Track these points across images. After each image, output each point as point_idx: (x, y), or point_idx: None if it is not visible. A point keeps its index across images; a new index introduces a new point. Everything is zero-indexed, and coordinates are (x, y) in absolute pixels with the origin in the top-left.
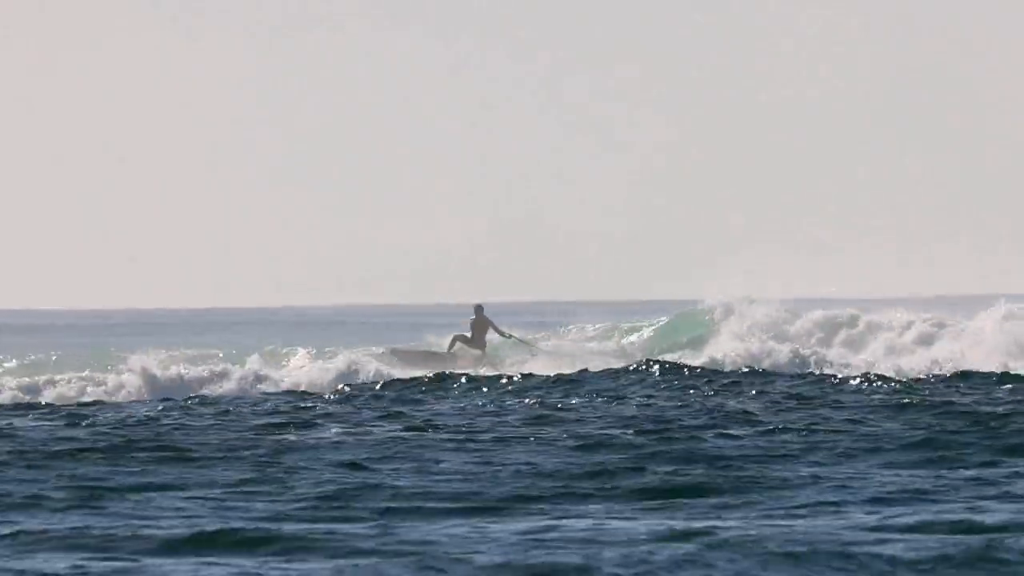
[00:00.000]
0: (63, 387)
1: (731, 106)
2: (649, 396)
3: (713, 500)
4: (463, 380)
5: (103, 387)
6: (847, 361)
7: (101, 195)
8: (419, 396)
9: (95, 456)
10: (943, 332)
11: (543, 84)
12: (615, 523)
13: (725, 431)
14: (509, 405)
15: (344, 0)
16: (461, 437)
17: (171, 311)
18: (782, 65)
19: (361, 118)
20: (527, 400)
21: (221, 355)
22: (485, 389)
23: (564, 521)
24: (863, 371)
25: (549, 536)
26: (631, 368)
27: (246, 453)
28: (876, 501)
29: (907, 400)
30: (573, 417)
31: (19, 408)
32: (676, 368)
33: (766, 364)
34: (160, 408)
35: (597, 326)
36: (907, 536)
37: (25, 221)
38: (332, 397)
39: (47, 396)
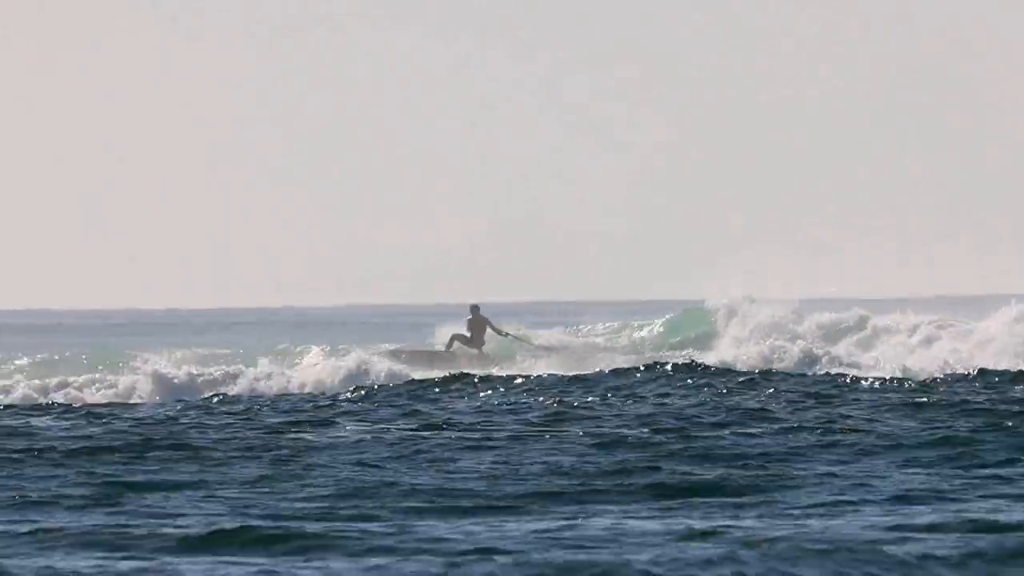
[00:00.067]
0: (77, 387)
1: (731, 106)
2: (665, 394)
3: (734, 499)
4: (479, 379)
5: (116, 387)
6: (859, 361)
7: (101, 195)
8: (435, 395)
9: (113, 455)
10: (953, 333)
11: (543, 84)
12: (634, 522)
13: (743, 429)
14: (525, 404)
15: (344, 0)
16: (478, 436)
17: (171, 311)
18: (782, 65)
19: (361, 118)
20: (543, 399)
21: (232, 354)
22: (501, 388)
23: (583, 520)
24: (876, 371)
25: (568, 535)
26: (644, 367)
27: (264, 452)
28: (896, 500)
29: (923, 399)
30: (590, 416)
31: (36, 408)
32: (690, 367)
33: (778, 364)
34: (177, 408)
35: (607, 324)
36: (928, 535)
37: (25, 221)
38: (348, 396)
39: (61, 396)
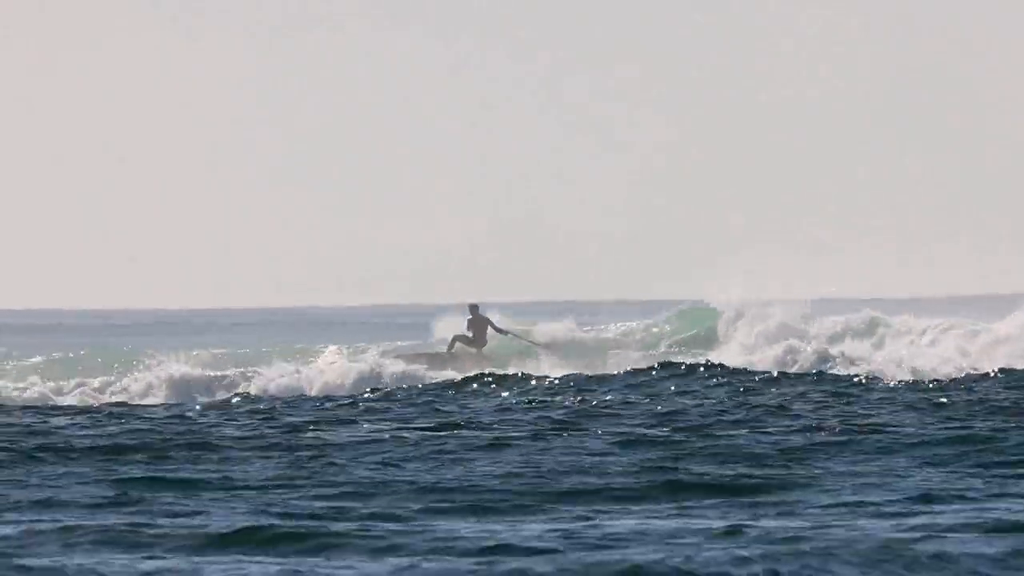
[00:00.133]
0: (95, 388)
1: (731, 106)
2: (683, 393)
3: (756, 497)
4: (496, 379)
5: (132, 388)
6: (874, 361)
7: (101, 195)
8: (453, 395)
9: (134, 454)
10: (967, 333)
11: (543, 84)
12: (658, 521)
13: (762, 428)
14: (545, 404)
15: (344, 0)
16: (498, 435)
17: (171, 311)
18: (782, 65)
19: (361, 118)
20: (562, 399)
21: (249, 354)
22: (519, 388)
23: (608, 519)
24: (891, 371)
25: (592, 534)
26: (660, 365)
27: (284, 451)
28: (918, 499)
29: (941, 399)
30: (609, 414)
31: (55, 408)
32: (705, 367)
33: (792, 365)
34: (196, 407)
35: (619, 324)
36: (952, 534)
37: (25, 221)
38: (367, 395)
39: (78, 395)
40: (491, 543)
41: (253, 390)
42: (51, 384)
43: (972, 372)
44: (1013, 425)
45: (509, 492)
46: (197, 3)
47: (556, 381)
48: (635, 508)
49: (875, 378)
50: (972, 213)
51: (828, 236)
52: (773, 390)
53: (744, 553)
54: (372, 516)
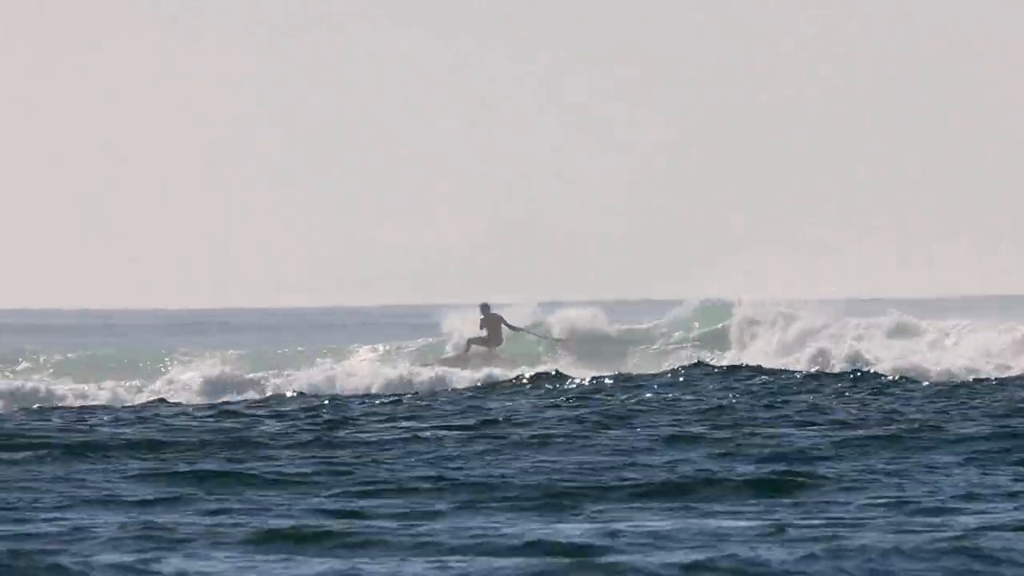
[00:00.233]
0: (129, 388)
1: (731, 106)
2: (722, 392)
3: (801, 496)
4: (530, 380)
5: (161, 386)
6: (908, 361)
7: (101, 195)
8: (491, 394)
9: (176, 451)
10: (996, 332)
11: (543, 84)
12: (700, 520)
13: (804, 427)
14: (581, 404)
15: (344, 0)
16: (539, 433)
17: (172, 311)
18: (782, 65)
19: (361, 118)
20: (600, 397)
21: (282, 355)
22: (556, 387)
23: (648, 517)
24: (926, 370)
25: (633, 532)
26: (690, 365)
27: (323, 448)
28: (965, 497)
29: (978, 397)
30: (649, 412)
31: (87, 408)
32: (743, 366)
33: (827, 364)
34: (234, 406)
35: (645, 324)
36: (1000, 532)
37: (25, 221)
38: (403, 395)
39: (108, 394)
40: (532, 541)
41: (289, 389)
42: (86, 384)
43: (1003, 370)
44: None
45: (550, 490)
46: (197, 3)
47: (592, 380)
48: (677, 506)
49: (909, 377)
50: (972, 213)
51: (828, 236)
52: (810, 389)
53: (788, 552)
54: (412, 514)
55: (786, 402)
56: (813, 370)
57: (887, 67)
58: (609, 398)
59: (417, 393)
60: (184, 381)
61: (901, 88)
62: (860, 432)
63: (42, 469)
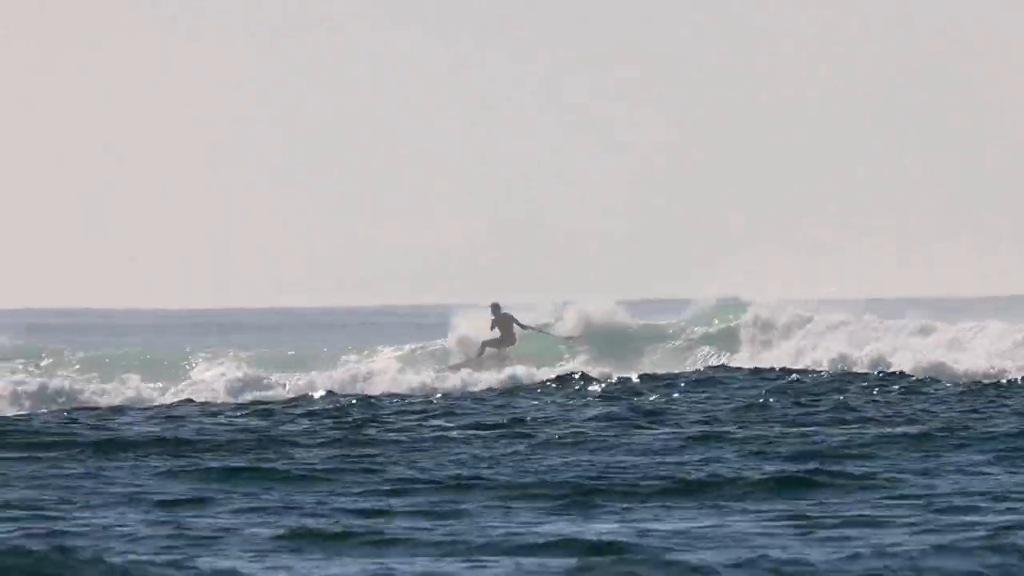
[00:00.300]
0: (157, 388)
1: (731, 106)
2: (749, 392)
3: (830, 494)
4: (559, 380)
5: (181, 387)
6: (933, 361)
7: (101, 195)
8: (517, 395)
9: (203, 451)
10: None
11: (543, 84)
12: (730, 517)
13: (833, 426)
14: (610, 403)
15: (344, 0)
16: (568, 433)
17: (171, 311)
18: (782, 65)
19: (361, 118)
20: (627, 398)
21: (299, 355)
22: (582, 387)
23: (678, 516)
24: (950, 370)
25: (662, 530)
26: (714, 366)
27: (351, 448)
28: (998, 496)
29: (1007, 397)
30: (676, 412)
31: (115, 408)
32: (769, 368)
33: (852, 364)
34: (259, 406)
35: (663, 320)
36: None
37: (25, 221)
38: (432, 395)
39: (132, 394)
40: (562, 539)
41: (315, 388)
42: (110, 383)
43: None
44: None
45: (581, 489)
46: (197, 3)
47: (618, 380)
48: (709, 505)
49: (934, 377)
50: (972, 213)
51: (828, 236)
52: (836, 388)
53: (820, 550)
54: (442, 513)
55: (814, 401)
56: (839, 369)
57: (887, 67)
58: (637, 397)
59: (443, 393)
60: (209, 380)
61: (901, 88)
62: (889, 430)
63: (72, 467)
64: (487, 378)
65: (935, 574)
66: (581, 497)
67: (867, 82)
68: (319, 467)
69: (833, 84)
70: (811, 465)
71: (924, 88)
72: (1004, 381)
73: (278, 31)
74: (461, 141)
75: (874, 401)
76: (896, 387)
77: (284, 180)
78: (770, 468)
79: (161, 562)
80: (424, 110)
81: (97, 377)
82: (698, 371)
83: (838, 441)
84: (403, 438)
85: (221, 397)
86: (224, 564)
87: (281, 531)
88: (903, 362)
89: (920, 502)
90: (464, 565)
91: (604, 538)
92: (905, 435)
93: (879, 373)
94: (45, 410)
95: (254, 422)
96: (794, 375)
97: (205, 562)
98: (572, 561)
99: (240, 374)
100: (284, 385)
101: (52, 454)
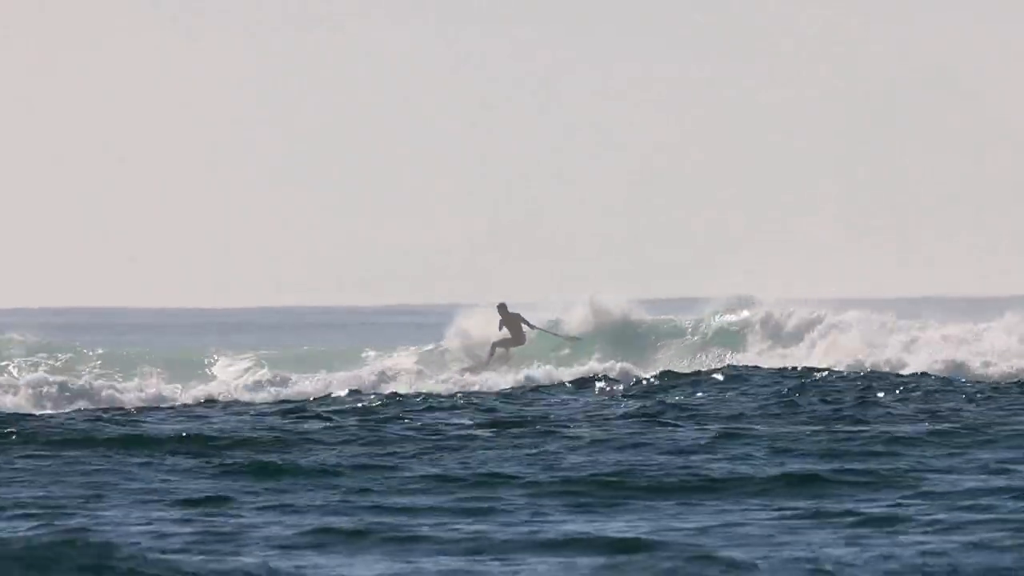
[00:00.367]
0: (171, 385)
1: (731, 106)
2: (773, 390)
3: (858, 492)
4: (580, 381)
5: (211, 384)
6: (953, 361)
7: (101, 195)
8: (540, 394)
9: (223, 450)
10: None
11: (543, 84)
12: (756, 514)
13: (858, 424)
14: (634, 402)
15: (344, 0)
16: (592, 431)
17: (171, 311)
18: (782, 65)
19: (361, 118)
20: (650, 396)
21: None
22: (604, 386)
23: (704, 514)
24: (973, 370)
25: (686, 530)
26: (732, 365)
27: (375, 448)
28: None
29: None
30: (702, 411)
31: (137, 406)
32: (791, 367)
33: (873, 364)
34: (282, 406)
35: (677, 318)
36: None
37: (25, 221)
38: (456, 394)
39: (153, 393)
40: (588, 537)
41: (335, 387)
42: (130, 382)
43: None
44: None
45: (607, 486)
46: (197, 3)
47: (641, 379)
48: (734, 504)
49: (957, 376)
50: (972, 213)
51: (828, 236)
52: (859, 387)
53: (847, 549)
54: (466, 511)
55: (838, 399)
56: (860, 368)
57: (887, 67)
58: (660, 395)
59: (466, 392)
60: (231, 378)
61: (901, 88)
62: (913, 428)
63: (97, 464)
64: (508, 377)
65: (962, 571)
66: (607, 495)
67: (867, 82)
68: (344, 464)
69: (833, 84)
70: (836, 463)
71: (924, 88)
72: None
73: (278, 31)
74: (461, 141)
75: (897, 399)
76: (918, 385)
77: (284, 180)
78: (796, 466)
79: (187, 558)
80: (424, 110)
81: (120, 374)
82: (719, 369)
83: (863, 439)
84: (427, 436)
85: (244, 395)
86: (250, 561)
87: (306, 528)
88: (923, 361)
89: (946, 500)
90: (490, 563)
91: (630, 535)
92: (930, 433)
93: (899, 372)
94: (68, 408)
95: (278, 420)
96: (815, 374)
97: (231, 559)
98: (599, 559)
99: (263, 372)
100: (307, 383)
101: (76, 452)
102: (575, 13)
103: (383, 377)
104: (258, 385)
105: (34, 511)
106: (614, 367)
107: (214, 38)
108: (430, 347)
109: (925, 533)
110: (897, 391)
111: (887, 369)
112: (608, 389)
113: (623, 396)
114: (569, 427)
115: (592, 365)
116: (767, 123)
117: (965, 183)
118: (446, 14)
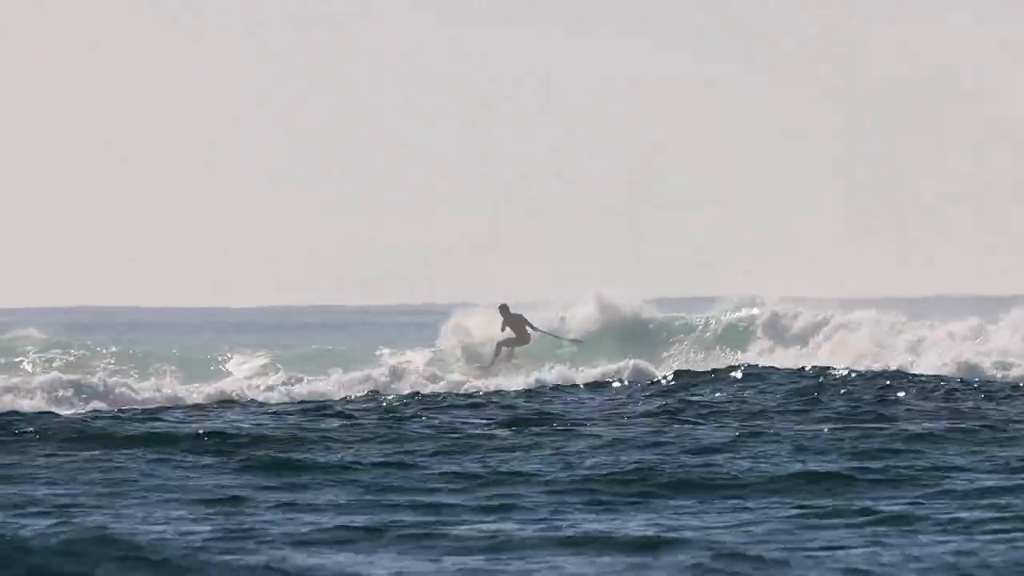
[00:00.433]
0: (186, 385)
1: (731, 106)
2: (791, 390)
3: (879, 490)
4: (589, 384)
5: (226, 383)
6: (967, 360)
7: (101, 195)
8: (555, 393)
9: (241, 448)
10: None
11: (543, 84)
12: (776, 512)
13: (876, 424)
14: (654, 400)
15: (344, 0)
16: (609, 430)
17: (171, 311)
18: (782, 65)
19: (361, 118)
20: (669, 396)
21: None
22: (622, 385)
23: (724, 512)
24: (986, 370)
25: (705, 528)
26: (749, 364)
27: (392, 447)
28: None
29: None
30: (718, 411)
31: (154, 404)
32: (809, 367)
33: (890, 363)
34: (300, 405)
35: (688, 316)
36: None
37: (25, 221)
38: (473, 393)
39: (168, 392)
40: (607, 536)
41: (350, 386)
42: (145, 381)
43: None
44: None
45: (629, 484)
46: (197, 3)
47: (656, 380)
48: (753, 503)
49: (972, 376)
50: (972, 213)
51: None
52: (878, 386)
53: (867, 550)
54: (484, 509)
55: (857, 398)
56: (878, 367)
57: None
58: (679, 393)
59: (483, 391)
60: (247, 377)
61: (901, 88)
62: (933, 426)
63: (116, 462)
64: (524, 377)
65: (983, 569)
66: (628, 493)
67: (867, 82)
68: (363, 462)
69: (833, 84)
70: (857, 461)
71: (924, 88)
72: None
73: (278, 31)
74: (461, 141)
75: (917, 398)
76: (935, 384)
77: (284, 180)
78: (817, 463)
79: (207, 555)
80: (424, 110)
81: (135, 371)
82: (736, 367)
83: (884, 436)
84: (446, 434)
85: (260, 394)
86: (269, 558)
87: (326, 526)
88: (933, 361)
89: (967, 498)
90: (510, 561)
91: (652, 534)
92: (950, 431)
93: (915, 372)
94: (85, 406)
95: (295, 418)
96: (833, 372)
97: (251, 556)
98: (620, 557)
99: (278, 372)
100: (322, 382)
101: (95, 451)
102: (575, 13)
103: (399, 375)
104: (274, 384)
105: (53, 509)
106: (628, 365)
107: (214, 38)
108: (442, 346)
109: (946, 531)
110: (914, 390)
111: (905, 368)
112: (628, 387)
113: (643, 394)
114: (587, 425)
115: (605, 364)
116: (767, 123)
117: (965, 183)
118: (446, 14)
